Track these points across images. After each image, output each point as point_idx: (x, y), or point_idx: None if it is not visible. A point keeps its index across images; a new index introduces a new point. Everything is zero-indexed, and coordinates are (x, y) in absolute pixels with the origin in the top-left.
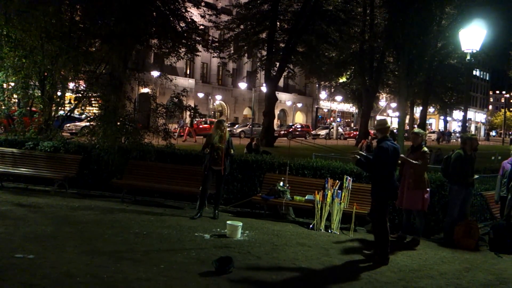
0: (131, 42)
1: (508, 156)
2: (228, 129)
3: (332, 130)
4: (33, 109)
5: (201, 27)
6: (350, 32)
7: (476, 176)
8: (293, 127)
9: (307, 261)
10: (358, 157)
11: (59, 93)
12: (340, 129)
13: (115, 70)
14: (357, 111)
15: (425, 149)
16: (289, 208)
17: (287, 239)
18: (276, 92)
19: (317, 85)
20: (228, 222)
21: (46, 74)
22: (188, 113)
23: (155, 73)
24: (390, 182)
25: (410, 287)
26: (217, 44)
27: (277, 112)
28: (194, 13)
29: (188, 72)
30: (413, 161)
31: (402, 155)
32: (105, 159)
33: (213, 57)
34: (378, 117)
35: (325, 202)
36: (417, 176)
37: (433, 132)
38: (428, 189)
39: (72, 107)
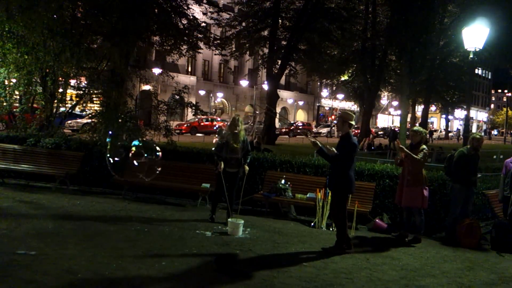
0: (133, 39)
1: (510, 155)
2: (244, 126)
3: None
4: (35, 105)
5: (203, 24)
6: (352, 30)
7: (478, 175)
8: (294, 124)
9: (308, 259)
10: (320, 145)
11: (60, 90)
12: None
13: (116, 67)
14: (358, 109)
15: (424, 146)
16: (290, 206)
17: (288, 237)
18: (278, 90)
19: (318, 83)
20: (229, 219)
21: (48, 70)
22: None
23: (156, 70)
24: (351, 175)
25: (412, 285)
26: (218, 41)
27: (278, 110)
28: (196, 10)
29: (189, 70)
30: (414, 155)
31: (402, 146)
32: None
33: (215, 54)
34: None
35: (326, 200)
36: (415, 173)
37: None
38: (426, 187)
39: (73, 103)
